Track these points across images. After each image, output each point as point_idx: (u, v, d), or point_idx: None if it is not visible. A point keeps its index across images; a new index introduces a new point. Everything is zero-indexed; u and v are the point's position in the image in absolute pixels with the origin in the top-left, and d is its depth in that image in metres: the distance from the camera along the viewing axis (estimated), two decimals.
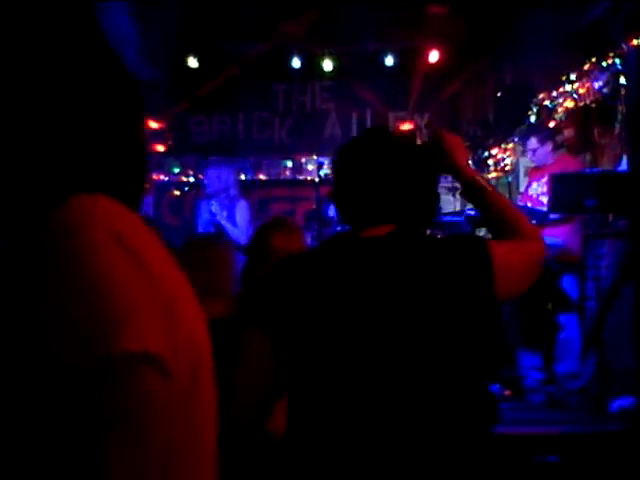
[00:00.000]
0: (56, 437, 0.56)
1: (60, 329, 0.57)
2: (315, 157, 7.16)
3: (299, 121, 7.63)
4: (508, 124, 5.99)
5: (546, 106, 5.26)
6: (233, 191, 4.73)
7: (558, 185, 3.70)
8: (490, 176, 6.66)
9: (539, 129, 4.86)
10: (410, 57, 7.16)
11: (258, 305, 1.44)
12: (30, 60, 0.66)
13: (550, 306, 4.22)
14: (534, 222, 4.30)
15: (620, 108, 4.32)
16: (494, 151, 6.47)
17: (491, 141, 6.54)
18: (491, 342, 1.34)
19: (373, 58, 7.21)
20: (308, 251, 1.49)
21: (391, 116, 7.61)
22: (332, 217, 5.00)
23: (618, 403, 3.28)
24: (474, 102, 7.37)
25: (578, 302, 4.12)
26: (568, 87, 4.96)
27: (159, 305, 0.62)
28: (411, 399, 1.26)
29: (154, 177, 7.17)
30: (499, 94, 6.69)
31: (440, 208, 4.66)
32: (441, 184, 4.13)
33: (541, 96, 5.33)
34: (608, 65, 4.43)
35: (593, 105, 4.73)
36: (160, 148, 7.04)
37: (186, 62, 7.15)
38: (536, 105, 5.38)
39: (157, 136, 6.97)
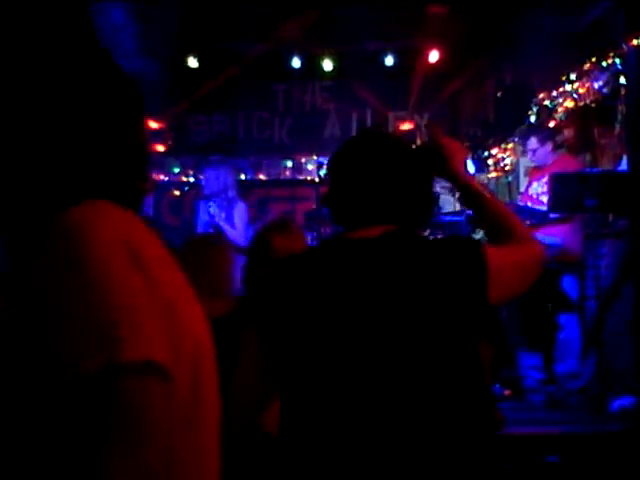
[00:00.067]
0: (59, 444, 0.56)
1: (63, 336, 0.56)
2: (315, 157, 7.16)
3: (299, 121, 7.62)
4: (508, 124, 5.99)
5: (546, 106, 5.26)
6: (231, 193, 4.73)
7: (558, 185, 3.70)
8: (490, 176, 6.66)
9: (539, 129, 4.86)
10: (410, 57, 7.16)
11: (253, 306, 1.44)
12: (33, 71, 0.66)
13: (550, 306, 4.22)
14: (534, 222, 4.30)
15: (620, 108, 4.32)
16: (494, 151, 6.47)
17: (491, 141, 6.54)
18: (481, 345, 1.33)
19: (373, 58, 7.21)
20: (303, 252, 1.49)
21: (391, 116, 7.61)
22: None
23: (618, 403, 3.28)
24: (474, 102, 7.37)
25: (578, 302, 4.11)
26: (568, 87, 4.96)
27: (162, 312, 0.62)
28: (401, 400, 1.26)
29: (154, 177, 7.17)
30: (499, 94, 6.68)
31: (440, 208, 4.66)
32: (441, 184, 4.13)
33: (541, 96, 5.33)
34: (608, 65, 4.43)
35: (593, 105, 4.73)
36: (160, 148, 7.04)
37: (186, 62, 7.15)
38: (536, 105, 5.37)
39: (157, 136, 6.97)
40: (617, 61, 4.33)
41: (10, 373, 0.57)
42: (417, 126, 7.51)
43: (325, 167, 6.21)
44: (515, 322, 4.00)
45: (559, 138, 4.78)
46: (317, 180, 6.37)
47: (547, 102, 5.26)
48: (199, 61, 7.16)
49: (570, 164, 4.33)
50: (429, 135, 1.55)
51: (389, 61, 7.22)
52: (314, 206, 6.01)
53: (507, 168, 6.37)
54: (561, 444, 2.90)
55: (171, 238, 5.19)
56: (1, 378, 0.58)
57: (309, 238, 5.07)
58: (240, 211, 4.66)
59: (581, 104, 4.85)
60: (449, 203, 6.74)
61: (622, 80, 4.25)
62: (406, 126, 7.23)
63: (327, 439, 1.27)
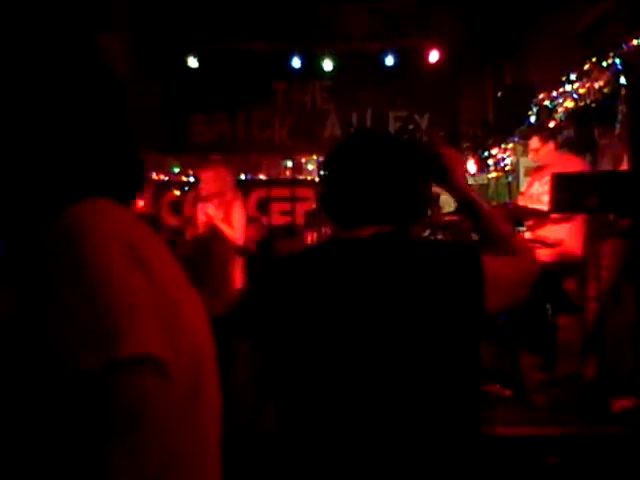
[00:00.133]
0: (60, 441, 0.56)
1: (63, 333, 0.57)
2: (315, 157, 7.16)
3: (299, 121, 7.63)
4: (508, 124, 5.99)
5: (546, 106, 5.25)
6: (229, 195, 4.73)
7: (560, 184, 3.69)
8: (490, 176, 6.66)
9: (541, 128, 4.86)
10: (410, 57, 7.16)
11: (247, 307, 1.44)
12: (29, 73, 0.67)
13: (550, 306, 4.22)
14: (534, 221, 4.30)
15: (620, 108, 4.31)
16: (494, 151, 6.46)
17: (491, 141, 6.54)
18: (477, 349, 1.33)
19: (373, 58, 7.21)
20: (298, 253, 1.49)
21: (391, 116, 7.61)
22: None
23: (619, 404, 3.27)
24: (474, 102, 7.37)
25: (579, 302, 4.11)
26: (568, 87, 4.95)
27: (162, 309, 0.62)
28: (390, 402, 1.26)
29: (154, 177, 7.17)
30: (499, 94, 6.68)
31: (440, 208, 4.65)
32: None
33: (541, 96, 5.33)
34: (608, 65, 4.43)
35: (593, 105, 4.73)
36: (160, 149, 7.04)
37: (186, 62, 7.15)
38: (536, 105, 5.37)
39: (157, 136, 6.98)
40: (617, 61, 4.32)
41: (12, 371, 0.57)
42: (417, 126, 7.51)
43: (320, 167, 6.22)
44: (516, 322, 4.00)
45: (561, 137, 4.78)
46: (317, 180, 6.37)
47: (547, 102, 5.26)
48: (199, 61, 7.17)
49: (572, 163, 4.32)
50: (431, 145, 1.55)
51: (389, 61, 7.22)
52: (314, 206, 6.01)
53: (507, 168, 6.37)
54: (562, 445, 2.90)
55: (171, 238, 5.19)
56: (3, 376, 0.58)
57: (309, 238, 5.07)
58: (238, 211, 4.66)
59: (581, 104, 4.85)
60: (449, 203, 6.74)
61: (622, 80, 4.25)
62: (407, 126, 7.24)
63: (321, 439, 1.27)
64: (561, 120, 5.08)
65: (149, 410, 0.59)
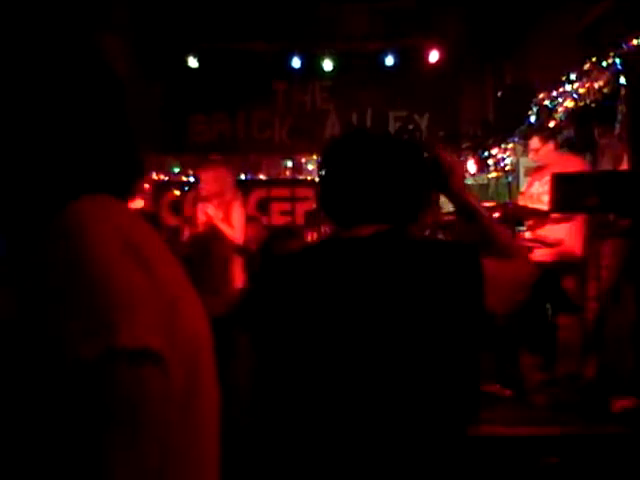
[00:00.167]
0: (60, 433, 0.56)
1: (65, 324, 0.58)
2: (315, 157, 7.16)
3: (299, 121, 7.63)
4: (508, 124, 5.99)
5: (546, 106, 5.25)
6: (229, 195, 4.73)
7: (560, 184, 3.69)
8: (490, 176, 6.66)
9: (541, 128, 4.86)
10: (410, 57, 7.16)
11: (244, 309, 1.45)
12: (28, 70, 0.67)
13: (550, 306, 4.22)
14: (534, 221, 4.30)
15: (620, 108, 4.31)
16: (494, 151, 6.46)
17: (491, 141, 6.54)
18: (477, 349, 1.33)
19: (373, 58, 7.21)
20: (297, 252, 1.49)
21: (391, 116, 7.61)
22: None
23: (619, 404, 3.27)
24: (474, 102, 7.37)
25: (579, 302, 4.11)
26: (568, 87, 4.95)
27: (160, 305, 0.63)
28: (389, 400, 1.25)
29: (154, 177, 7.17)
30: (499, 94, 6.68)
31: (440, 208, 4.65)
32: None
33: (541, 96, 5.33)
34: (608, 65, 4.43)
35: (593, 105, 4.73)
36: (160, 149, 7.04)
37: (186, 62, 7.15)
38: (536, 105, 5.37)
39: (157, 136, 6.98)
40: (617, 61, 4.32)
41: (12, 364, 0.58)
42: (417, 126, 7.51)
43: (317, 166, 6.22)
44: (516, 322, 4.00)
45: (561, 137, 4.78)
46: (317, 180, 6.36)
47: (547, 102, 5.26)
48: (199, 61, 7.17)
49: (573, 163, 4.32)
50: (431, 151, 1.55)
51: (389, 61, 7.22)
52: (314, 206, 6.00)
53: (507, 168, 6.37)
54: (562, 445, 2.90)
55: (171, 238, 5.19)
56: (3, 370, 0.58)
57: (309, 238, 5.07)
58: (238, 211, 4.67)
59: (581, 104, 4.85)
60: (449, 203, 6.72)
61: (622, 80, 4.24)
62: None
63: (315, 437, 1.27)
64: (561, 120, 5.08)
65: (148, 401, 0.59)
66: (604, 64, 4.46)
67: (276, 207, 7.44)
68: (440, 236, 4.13)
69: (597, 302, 3.91)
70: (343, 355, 1.27)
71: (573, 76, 4.87)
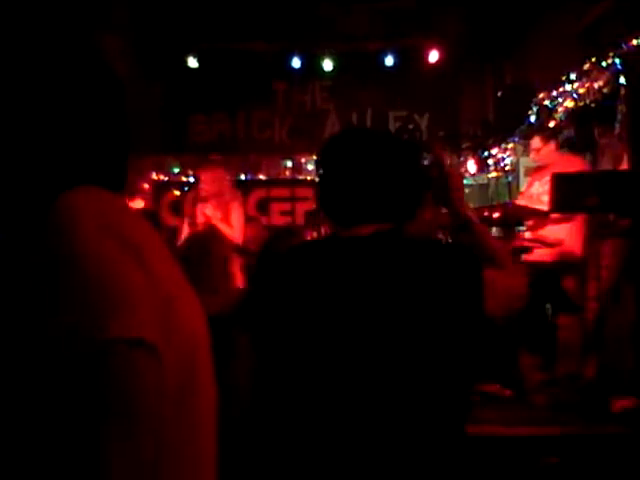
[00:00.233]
0: (56, 424, 0.57)
1: (61, 317, 0.58)
2: (315, 157, 7.15)
3: (299, 121, 7.62)
4: (508, 124, 5.99)
5: (546, 106, 5.25)
6: (227, 195, 4.74)
7: (560, 184, 3.69)
8: (490, 176, 6.66)
9: (542, 128, 4.86)
10: (410, 57, 7.16)
11: (244, 308, 1.44)
12: (22, 65, 0.67)
13: (550, 306, 4.22)
14: (534, 221, 4.30)
15: (620, 108, 4.31)
16: (494, 151, 6.46)
17: (491, 141, 6.54)
18: (476, 349, 1.33)
19: (373, 58, 7.21)
20: (294, 252, 1.48)
21: (391, 116, 7.61)
22: None
23: (619, 404, 3.27)
24: (474, 102, 7.36)
25: (579, 302, 4.11)
26: (568, 87, 4.95)
27: (154, 298, 0.63)
28: (387, 400, 1.25)
29: (154, 177, 7.17)
30: (499, 94, 6.68)
31: (440, 207, 4.63)
32: None
33: (541, 96, 5.33)
34: (608, 65, 4.43)
35: (593, 105, 4.73)
36: (160, 149, 7.05)
37: (186, 62, 7.15)
38: (536, 105, 5.37)
39: (157, 136, 6.98)
40: (617, 61, 4.32)
41: (9, 358, 0.58)
42: (417, 126, 7.51)
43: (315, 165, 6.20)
44: (515, 322, 4.00)
45: (561, 137, 4.78)
46: (316, 179, 6.35)
47: (547, 102, 5.26)
48: (199, 61, 7.17)
49: (574, 163, 4.33)
50: (436, 163, 1.55)
51: (389, 61, 7.22)
52: (314, 206, 6.00)
53: (507, 168, 6.37)
54: (562, 445, 2.90)
55: (171, 238, 5.19)
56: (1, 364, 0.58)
57: (309, 238, 5.07)
58: (236, 211, 4.68)
59: (581, 104, 4.85)
60: None
61: (622, 80, 4.25)
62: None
63: (313, 435, 1.27)
64: (561, 120, 5.08)
65: (143, 392, 0.59)
66: (604, 64, 4.46)
67: (276, 207, 7.44)
68: (440, 236, 4.13)
69: (597, 302, 3.91)
70: (343, 354, 1.27)
71: (573, 76, 4.87)
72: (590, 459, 2.83)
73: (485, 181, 6.84)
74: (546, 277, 4.18)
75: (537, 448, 2.89)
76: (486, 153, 6.57)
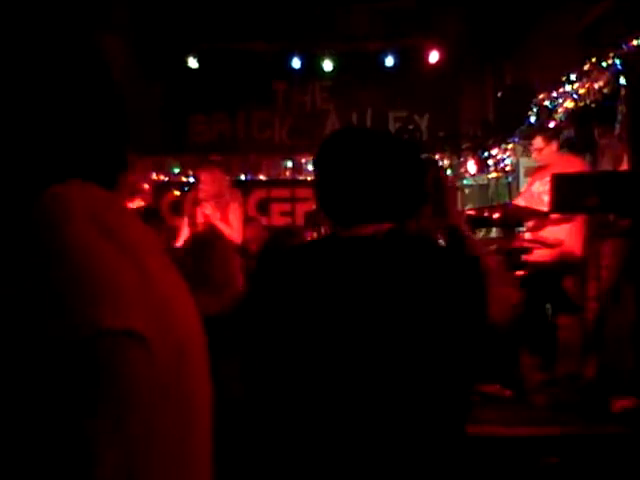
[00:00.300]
0: (45, 414, 0.57)
1: (49, 309, 0.58)
2: (314, 156, 7.15)
3: (299, 121, 7.63)
4: (508, 124, 5.99)
5: (546, 106, 5.25)
6: (226, 196, 4.75)
7: (560, 185, 3.70)
8: (490, 176, 6.66)
9: (544, 128, 4.87)
10: (410, 57, 7.16)
11: (245, 308, 1.44)
12: (7, 55, 0.67)
13: (550, 306, 4.22)
14: (534, 222, 4.30)
15: (620, 108, 4.31)
16: (494, 151, 6.46)
17: (491, 141, 6.54)
18: (478, 351, 1.33)
19: (373, 58, 7.21)
20: (294, 252, 1.48)
21: (391, 116, 7.61)
22: None
23: (619, 404, 3.27)
24: (474, 102, 7.36)
25: (579, 302, 4.11)
26: (568, 87, 4.95)
27: (145, 290, 0.64)
28: (388, 401, 1.25)
29: (154, 177, 7.17)
30: (499, 94, 6.68)
31: None
32: None
33: (541, 96, 5.33)
34: (608, 65, 4.43)
35: (593, 105, 4.73)
36: (160, 149, 7.05)
37: (186, 62, 7.15)
38: (536, 105, 5.37)
39: (157, 136, 6.98)
40: (617, 61, 4.32)
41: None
42: (417, 126, 7.51)
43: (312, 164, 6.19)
44: (516, 322, 4.00)
45: (561, 137, 4.78)
46: (314, 178, 6.35)
47: (547, 102, 5.26)
48: (199, 61, 7.17)
49: (575, 163, 4.33)
50: (435, 182, 1.56)
51: (389, 61, 7.22)
52: (314, 206, 6.00)
53: (507, 168, 6.37)
54: (562, 445, 2.90)
55: (171, 238, 5.19)
56: None
57: (309, 238, 5.07)
58: (235, 211, 4.69)
59: (581, 104, 4.85)
60: None
61: (622, 80, 4.25)
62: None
63: (312, 435, 1.27)
64: (561, 120, 5.08)
65: (133, 383, 0.60)
66: (604, 64, 4.47)
67: (276, 208, 7.44)
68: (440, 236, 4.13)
69: (597, 302, 3.91)
70: (344, 353, 1.27)
71: (573, 76, 4.87)
72: (590, 459, 2.83)
73: (485, 181, 6.84)
74: (546, 277, 4.18)
75: (537, 448, 2.89)
76: (486, 153, 6.57)
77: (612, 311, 3.80)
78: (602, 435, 2.94)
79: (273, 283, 1.37)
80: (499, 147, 6.37)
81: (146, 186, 6.91)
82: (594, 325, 3.89)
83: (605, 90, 4.55)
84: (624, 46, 4.21)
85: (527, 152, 5.32)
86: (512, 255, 4.00)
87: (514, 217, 4.18)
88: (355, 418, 1.25)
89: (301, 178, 7.35)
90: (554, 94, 5.13)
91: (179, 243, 4.33)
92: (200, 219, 4.46)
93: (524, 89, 5.86)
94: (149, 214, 3.21)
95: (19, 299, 0.59)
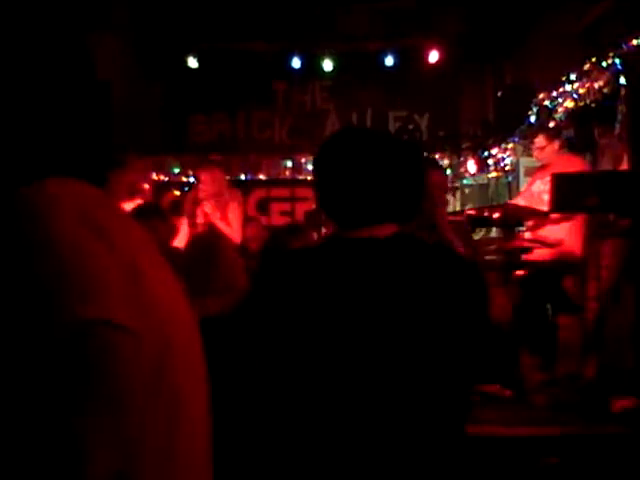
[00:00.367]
0: (35, 407, 0.57)
1: (36, 301, 0.58)
2: (314, 156, 7.15)
3: (299, 121, 7.62)
4: (508, 124, 5.99)
5: (546, 106, 5.25)
6: (226, 196, 4.75)
7: (560, 184, 3.70)
8: (490, 176, 6.66)
9: (546, 127, 4.87)
10: (410, 57, 7.16)
11: (256, 302, 1.43)
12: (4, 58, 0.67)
13: (550, 306, 4.22)
14: (534, 221, 4.30)
15: (620, 108, 4.31)
16: (494, 151, 6.46)
17: (491, 141, 6.54)
18: (480, 353, 1.34)
19: (373, 58, 7.21)
20: (299, 252, 1.47)
21: (391, 116, 7.61)
22: None
23: (619, 404, 3.27)
24: (474, 102, 7.37)
25: (579, 302, 4.11)
26: (568, 87, 4.95)
27: (125, 278, 0.64)
28: (388, 401, 1.25)
29: (154, 177, 7.17)
30: (499, 94, 6.68)
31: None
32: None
33: (541, 96, 5.33)
34: (608, 65, 4.43)
35: (593, 105, 4.73)
36: (160, 149, 7.04)
37: (186, 62, 7.15)
38: (536, 105, 5.37)
39: (157, 136, 6.98)
40: (617, 61, 4.32)
41: None
42: (417, 126, 7.51)
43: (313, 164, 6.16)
44: (516, 322, 4.00)
45: (562, 137, 4.78)
46: (316, 178, 6.35)
47: (547, 102, 5.26)
48: (199, 61, 7.17)
49: (575, 163, 4.33)
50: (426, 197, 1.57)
51: (389, 61, 7.22)
52: (314, 206, 6.00)
53: (507, 168, 6.37)
54: (562, 445, 2.89)
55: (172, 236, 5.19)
56: None
57: (313, 237, 5.07)
58: (234, 210, 4.69)
59: (581, 104, 4.85)
60: (449, 203, 6.73)
61: (622, 80, 4.25)
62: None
63: (315, 436, 1.27)
64: (561, 120, 5.08)
65: (122, 371, 0.60)
66: (604, 64, 4.46)
67: (276, 207, 7.44)
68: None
69: (597, 302, 3.91)
70: (347, 352, 1.26)
71: (573, 76, 4.87)
72: (590, 459, 2.83)
73: (485, 181, 6.85)
74: (546, 277, 4.18)
75: (537, 448, 2.89)
76: (486, 153, 6.57)
77: (612, 311, 3.80)
78: (602, 435, 2.94)
79: (280, 284, 1.36)
80: (499, 147, 6.37)
81: (146, 186, 6.91)
82: (594, 325, 3.89)
83: (605, 90, 4.55)
84: (624, 46, 4.22)
85: (528, 151, 5.32)
86: (512, 255, 4.00)
87: (514, 217, 4.18)
88: (355, 418, 1.25)
89: (301, 178, 7.35)
90: (554, 94, 5.14)
91: (179, 243, 4.33)
92: (200, 219, 4.46)
93: (524, 89, 5.86)
94: (151, 211, 3.21)
95: (4, 292, 0.59)
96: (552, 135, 4.46)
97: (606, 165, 4.35)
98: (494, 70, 7.15)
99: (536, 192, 4.43)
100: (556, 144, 4.42)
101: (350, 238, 1.36)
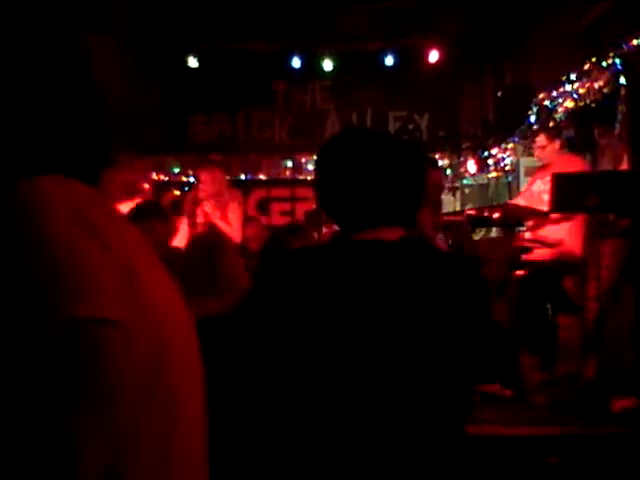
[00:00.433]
0: (27, 404, 0.57)
1: (29, 299, 0.58)
2: (315, 157, 7.15)
3: (299, 121, 7.63)
4: (508, 124, 5.99)
5: (546, 106, 5.25)
6: (226, 196, 4.75)
7: (561, 184, 3.70)
8: (490, 176, 6.66)
9: (547, 126, 4.88)
10: (410, 57, 7.16)
11: (259, 302, 1.42)
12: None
13: (550, 306, 4.22)
14: (534, 221, 4.30)
15: (620, 108, 4.31)
16: (494, 151, 6.47)
17: (491, 141, 6.54)
18: (482, 355, 1.34)
19: (373, 58, 7.21)
20: (302, 252, 1.47)
21: (391, 116, 7.61)
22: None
23: (619, 404, 3.27)
24: (474, 102, 7.37)
25: (579, 302, 4.11)
26: (568, 87, 4.95)
27: (119, 277, 0.64)
28: (389, 401, 1.25)
29: (154, 177, 7.17)
30: (499, 94, 6.68)
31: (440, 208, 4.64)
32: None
33: (541, 96, 5.33)
34: (608, 65, 4.43)
35: (593, 105, 4.73)
36: (160, 149, 7.04)
37: (186, 62, 7.15)
38: (536, 105, 5.37)
39: (157, 136, 6.98)
40: (617, 61, 4.32)
41: None
42: (417, 126, 7.51)
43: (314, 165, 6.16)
44: (516, 322, 4.00)
45: (562, 137, 4.79)
46: (317, 179, 6.35)
47: (547, 102, 5.26)
48: (199, 61, 7.17)
49: (575, 163, 4.33)
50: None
51: (389, 61, 7.22)
52: (314, 206, 6.01)
53: (507, 168, 6.37)
54: (562, 445, 2.89)
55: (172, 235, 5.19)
56: None
57: (314, 237, 5.07)
58: (234, 210, 4.69)
59: (581, 104, 4.85)
60: (449, 203, 6.74)
61: (622, 80, 4.25)
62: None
63: (316, 437, 1.26)
64: (561, 120, 5.08)
65: (116, 369, 0.60)
66: (604, 64, 4.47)
67: (276, 207, 7.44)
68: (440, 236, 4.13)
69: (597, 302, 3.91)
70: (350, 353, 1.26)
71: (573, 76, 4.87)
72: (590, 459, 2.83)
73: (485, 181, 6.85)
74: (546, 277, 4.18)
75: (537, 448, 2.89)
76: (486, 153, 6.57)
77: (612, 311, 3.80)
78: (602, 435, 2.94)
79: (281, 284, 1.35)
80: (499, 147, 6.37)
81: (146, 186, 6.91)
82: (594, 325, 3.89)
83: (605, 90, 4.55)
84: (624, 46, 4.22)
85: (528, 151, 5.33)
86: (512, 255, 4.00)
87: (514, 217, 4.18)
88: (355, 418, 1.25)
89: (301, 178, 7.36)
90: (554, 94, 5.14)
91: (179, 243, 4.33)
92: (200, 219, 4.46)
93: (524, 89, 5.86)
94: (152, 210, 3.20)
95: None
96: (553, 134, 4.47)
97: (606, 165, 4.36)
98: (494, 70, 7.15)
99: (536, 192, 4.43)
100: (557, 143, 4.42)
101: (353, 240, 1.36)
